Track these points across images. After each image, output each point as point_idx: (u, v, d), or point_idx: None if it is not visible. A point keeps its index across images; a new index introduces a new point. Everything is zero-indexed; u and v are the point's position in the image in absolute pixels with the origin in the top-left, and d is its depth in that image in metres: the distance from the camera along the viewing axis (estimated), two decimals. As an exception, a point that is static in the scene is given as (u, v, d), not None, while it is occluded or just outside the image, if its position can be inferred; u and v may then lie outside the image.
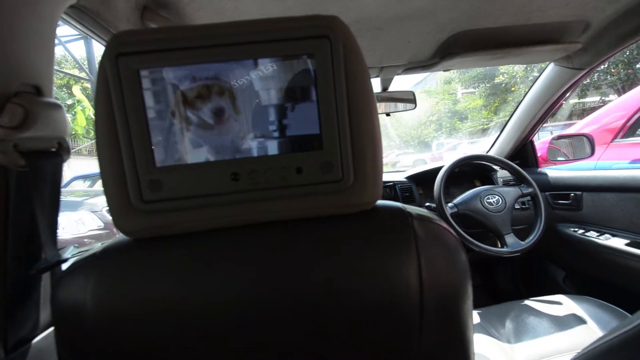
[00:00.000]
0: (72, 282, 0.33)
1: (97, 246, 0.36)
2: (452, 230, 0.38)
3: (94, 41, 0.64)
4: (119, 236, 0.36)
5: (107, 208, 0.34)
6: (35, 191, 0.42)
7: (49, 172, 0.44)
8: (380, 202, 0.39)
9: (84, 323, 0.32)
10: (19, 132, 0.39)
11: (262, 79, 0.32)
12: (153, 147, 0.32)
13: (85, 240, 3.07)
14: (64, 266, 0.42)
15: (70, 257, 0.43)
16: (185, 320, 0.33)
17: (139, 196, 0.32)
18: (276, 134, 0.33)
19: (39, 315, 0.46)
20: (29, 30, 0.43)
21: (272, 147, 0.33)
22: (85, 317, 0.32)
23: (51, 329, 0.48)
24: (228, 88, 0.32)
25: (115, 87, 0.31)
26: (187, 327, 0.33)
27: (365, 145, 0.34)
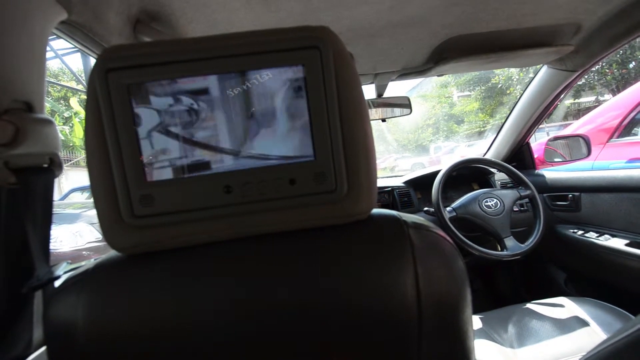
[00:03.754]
0: (64, 300, 0.33)
1: (90, 262, 0.36)
2: (449, 238, 0.38)
3: (89, 54, 0.64)
4: (112, 252, 0.36)
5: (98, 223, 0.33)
6: (27, 208, 0.41)
7: (40, 189, 0.43)
8: (375, 210, 0.38)
9: (76, 342, 0.31)
10: (9, 149, 0.39)
11: (254, 90, 0.32)
12: (144, 161, 0.31)
13: (84, 252, 3.04)
14: (57, 283, 0.42)
15: (62, 274, 0.42)
16: (180, 337, 0.32)
17: (130, 211, 0.32)
18: (269, 146, 0.33)
19: (31, 333, 0.46)
20: (19, 47, 0.43)
21: (265, 159, 0.33)
22: (77, 336, 0.31)
23: (44, 347, 0.47)
24: (220, 100, 0.32)
25: (105, 102, 0.30)
26: (181, 344, 0.32)
27: (358, 154, 0.34)
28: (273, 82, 0.32)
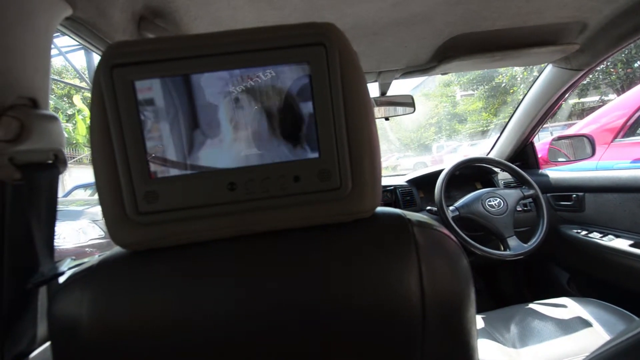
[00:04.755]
0: (68, 296, 0.33)
1: (95, 259, 0.36)
2: (453, 237, 0.37)
3: (93, 51, 0.64)
4: (117, 248, 0.36)
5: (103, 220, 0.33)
6: (31, 204, 0.42)
7: (45, 185, 0.43)
8: (379, 209, 0.38)
9: (81, 338, 0.31)
10: (14, 145, 0.39)
11: (258, 86, 0.32)
12: (148, 158, 0.31)
13: (87, 249, 3.06)
14: (61, 279, 0.42)
15: (67, 270, 0.42)
16: (183, 334, 0.32)
17: (134, 208, 0.32)
18: (273, 142, 0.33)
19: (36, 329, 0.46)
20: (24, 43, 0.43)
21: (269, 156, 0.33)
22: (81, 332, 0.31)
23: (48, 343, 0.47)
24: (224, 97, 0.32)
25: (110, 98, 0.30)
26: (185, 341, 0.32)
27: (362, 152, 0.34)
28: (277, 79, 0.32)
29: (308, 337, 0.34)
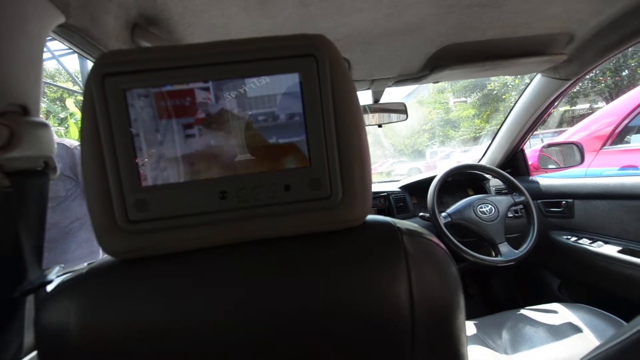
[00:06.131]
0: (56, 305, 0.32)
1: (84, 267, 0.35)
2: (442, 245, 0.38)
3: (86, 55, 0.64)
4: (105, 256, 0.35)
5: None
6: (20, 211, 0.41)
7: (34, 192, 0.43)
8: (370, 217, 0.38)
9: (68, 347, 0.31)
10: (3, 152, 0.39)
11: (250, 96, 0.32)
12: (139, 166, 0.32)
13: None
14: (49, 288, 0.42)
15: (55, 278, 0.42)
16: (173, 344, 0.32)
17: (124, 216, 0.32)
18: (264, 151, 0.33)
19: (22, 338, 0.45)
20: (16, 51, 0.43)
21: (260, 165, 0.33)
22: (69, 341, 0.31)
23: (35, 352, 0.47)
24: (216, 105, 0.32)
25: (101, 107, 0.31)
26: (174, 351, 0.32)
27: (353, 161, 0.34)
28: (269, 89, 0.32)
29: (298, 345, 0.34)
